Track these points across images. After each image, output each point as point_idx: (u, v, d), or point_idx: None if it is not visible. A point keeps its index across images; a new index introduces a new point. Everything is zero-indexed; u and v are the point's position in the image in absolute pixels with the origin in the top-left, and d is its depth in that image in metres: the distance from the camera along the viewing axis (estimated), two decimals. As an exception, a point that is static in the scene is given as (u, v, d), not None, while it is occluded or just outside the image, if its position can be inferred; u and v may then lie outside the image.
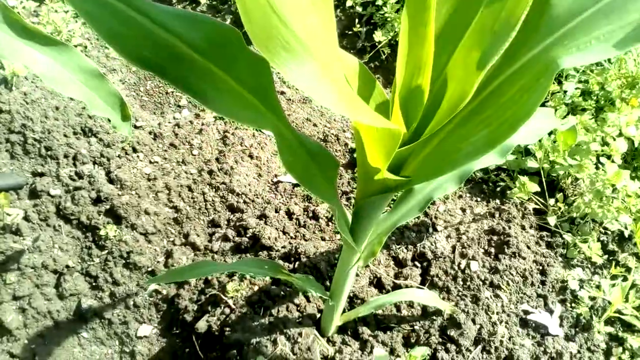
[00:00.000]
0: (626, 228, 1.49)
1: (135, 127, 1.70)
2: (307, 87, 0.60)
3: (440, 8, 0.87)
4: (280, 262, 1.42)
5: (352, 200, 1.58)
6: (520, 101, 0.79)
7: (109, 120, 1.65)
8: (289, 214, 1.54)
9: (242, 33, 0.68)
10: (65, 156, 1.56)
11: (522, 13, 0.78)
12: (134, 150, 1.62)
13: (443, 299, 1.36)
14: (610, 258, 1.48)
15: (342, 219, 1.00)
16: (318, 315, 1.33)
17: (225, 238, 1.50)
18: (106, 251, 1.46)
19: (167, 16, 0.71)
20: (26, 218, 1.47)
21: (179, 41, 0.72)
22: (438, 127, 0.84)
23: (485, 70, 0.79)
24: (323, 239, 1.50)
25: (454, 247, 1.45)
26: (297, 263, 1.41)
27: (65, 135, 1.59)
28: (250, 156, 1.65)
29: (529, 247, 1.46)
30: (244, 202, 1.56)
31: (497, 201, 1.57)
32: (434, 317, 1.33)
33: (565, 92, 1.72)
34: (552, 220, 1.51)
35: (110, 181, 1.55)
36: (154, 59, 0.70)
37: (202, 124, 1.72)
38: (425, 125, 0.88)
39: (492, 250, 1.44)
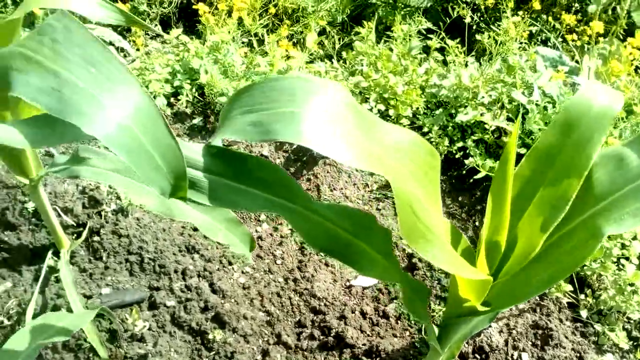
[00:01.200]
0: (646, 317, 1.80)
1: (226, 241, 2.02)
2: (436, 261, 0.93)
3: (513, 187, 1.20)
4: (364, 358, 1.71)
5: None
6: (575, 253, 1.10)
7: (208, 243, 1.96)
8: (363, 314, 1.85)
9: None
10: (175, 272, 1.87)
11: (574, 193, 1.10)
12: (229, 263, 1.94)
13: (501, 385, 1.65)
14: (635, 344, 1.78)
15: (432, 333, 1.31)
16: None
17: (311, 337, 1.80)
18: (213, 352, 1.75)
19: (330, 212, 1.04)
20: (148, 326, 1.77)
21: (339, 229, 1.04)
22: (512, 271, 1.16)
23: (547, 233, 1.11)
24: (395, 336, 1.80)
25: (506, 341, 1.75)
26: (377, 359, 1.71)
27: (173, 254, 1.91)
28: (326, 264, 1.97)
29: (567, 337, 1.76)
30: (325, 305, 1.86)
31: (537, 297, 1.88)
32: (496, 402, 1.62)
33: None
34: (583, 313, 1.81)
35: (214, 291, 1.85)
36: (325, 244, 1.03)
37: (281, 237, 2.05)
38: (501, 268, 1.20)
39: (538, 342, 1.74)
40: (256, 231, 2.08)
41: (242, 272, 1.94)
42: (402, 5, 2.64)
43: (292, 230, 2.10)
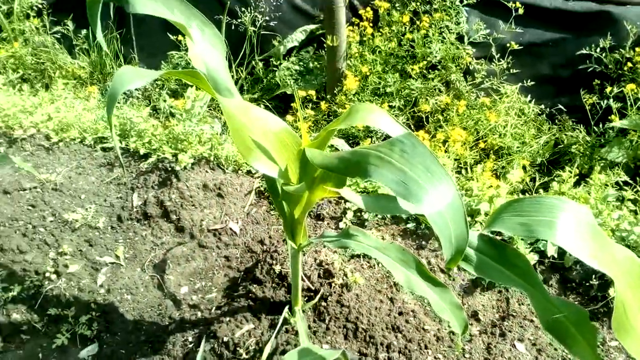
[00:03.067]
0: None
1: (424, 329, 2.38)
2: (635, 354, 1.24)
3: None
4: None
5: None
6: None
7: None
8: (538, 417, 2.09)
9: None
10: (381, 344, 2.26)
11: None
12: (425, 347, 2.29)
13: None
14: None
15: None
16: None
17: None
18: (405, 418, 2.08)
19: (556, 300, 1.38)
20: (356, 383, 2.15)
21: (562, 316, 1.38)
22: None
23: None
24: None
25: None
26: None
27: (382, 329, 2.30)
28: (509, 366, 2.26)
29: None
30: (504, 401, 2.13)
31: None
32: None
33: None
34: None
35: (411, 367, 2.21)
36: (552, 326, 1.37)
37: (470, 335, 2.37)
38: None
39: None
40: (448, 326, 2.43)
41: (435, 357, 2.27)
42: (598, 158, 2.98)
43: (480, 332, 2.41)
